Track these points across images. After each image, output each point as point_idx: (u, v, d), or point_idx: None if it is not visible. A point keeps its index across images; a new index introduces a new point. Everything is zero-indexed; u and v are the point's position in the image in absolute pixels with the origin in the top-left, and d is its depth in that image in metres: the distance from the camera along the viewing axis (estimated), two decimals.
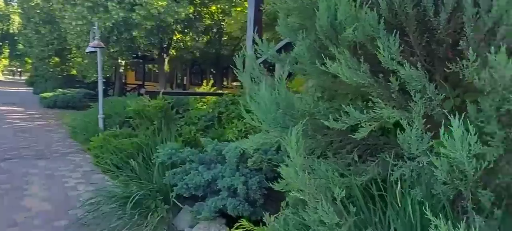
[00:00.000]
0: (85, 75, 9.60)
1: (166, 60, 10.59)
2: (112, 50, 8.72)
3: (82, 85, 15.97)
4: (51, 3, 12.26)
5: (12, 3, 34.11)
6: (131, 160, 3.72)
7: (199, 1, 9.90)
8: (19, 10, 31.27)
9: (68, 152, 5.95)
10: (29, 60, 38.82)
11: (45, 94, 12.69)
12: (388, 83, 1.50)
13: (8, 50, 37.18)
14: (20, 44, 29.29)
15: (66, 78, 14.79)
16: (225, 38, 12.17)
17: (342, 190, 1.48)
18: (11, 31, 33.12)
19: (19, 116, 10.15)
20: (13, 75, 56.75)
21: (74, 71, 14.56)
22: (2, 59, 39.66)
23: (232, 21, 9.86)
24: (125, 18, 8.24)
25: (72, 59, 13.80)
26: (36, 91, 19.58)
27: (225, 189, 2.80)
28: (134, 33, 8.39)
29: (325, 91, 2.15)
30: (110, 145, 4.69)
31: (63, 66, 13.76)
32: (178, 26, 9.45)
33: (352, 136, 1.65)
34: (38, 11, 13.21)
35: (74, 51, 12.76)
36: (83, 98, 12.63)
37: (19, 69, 57.85)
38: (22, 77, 52.35)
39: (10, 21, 32.95)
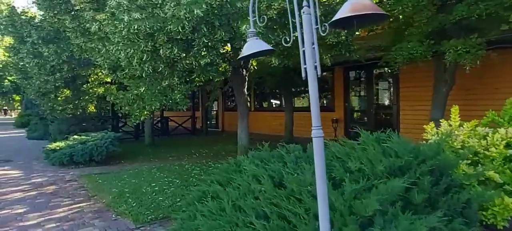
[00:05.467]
0: (132, 113, 5.50)
1: (246, 77, 6.68)
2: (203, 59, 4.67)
3: (97, 126, 11.81)
4: (56, 12, 8.22)
5: None
6: None
7: None
8: (4, 42, 27.17)
9: None
10: (17, 98, 34.34)
11: (53, 146, 8.50)
12: None
13: None
14: (8, 79, 24.94)
15: (78, 118, 10.58)
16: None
17: None
18: None
19: (20, 195, 5.95)
20: (3, 113, 51.51)
21: (91, 108, 10.47)
22: None
23: None
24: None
25: (90, 90, 9.71)
26: (31, 136, 15.26)
27: None
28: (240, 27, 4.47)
29: None
30: None
31: (77, 102, 9.58)
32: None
33: None
34: (36, 26, 9.15)
35: (101, 76, 8.79)
36: (111, 145, 8.48)
37: (4, 108, 52.83)
38: (8, 116, 47.38)
39: None
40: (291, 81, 11.20)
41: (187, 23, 4.33)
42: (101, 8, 5.89)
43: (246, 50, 2.33)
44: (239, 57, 2.35)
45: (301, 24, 2.11)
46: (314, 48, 2.04)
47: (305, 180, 2.83)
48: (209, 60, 4.77)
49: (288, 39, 2.26)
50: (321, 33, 2.03)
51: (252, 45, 2.32)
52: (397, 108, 9.71)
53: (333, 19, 1.89)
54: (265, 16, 2.44)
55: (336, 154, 3.28)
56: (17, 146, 12.58)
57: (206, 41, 4.66)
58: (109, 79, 9.92)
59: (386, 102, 10.45)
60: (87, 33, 7.42)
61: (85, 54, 8.09)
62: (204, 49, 4.78)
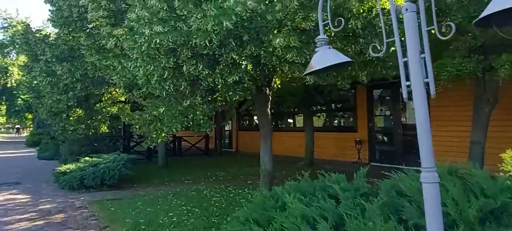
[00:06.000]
0: (148, 135, 5.02)
1: (270, 96, 6.20)
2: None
3: (108, 146, 11.39)
4: (71, 29, 7.95)
5: (11, 55, 30.54)
6: None
7: None
8: (19, 61, 27.52)
9: None
10: (30, 116, 34.58)
11: (64, 168, 8.06)
12: None
13: (5, 107, 33.00)
14: (21, 98, 25.05)
15: (90, 138, 10.17)
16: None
17: None
18: (9, 85, 29.07)
19: (26, 225, 5.44)
20: (16, 131, 51.84)
21: (104, 128, 10.06)
22: None
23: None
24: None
25: (103, 109, 9.32)
26: (42, 155, 14.93)
27: None
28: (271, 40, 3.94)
29: None
30: None
31: (89, 122, 9.18)
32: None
33: None
34: (51, 44, 8.89)
35: (115, 94, 8.43)
36: (124, 168, 7.99)
37: (17, 126, 53.42)
38: (21, 135, 47.77)
39: (8, 74, 28.97)
40: (311, 100, 10.68)
41: (214, 37, 3.87)
42: (118, 23, 5.52)
43: (318, 63, 1.80)
44: (310, 71, 1.82)
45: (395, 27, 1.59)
46: (423, 57, 1.51)
47: (376, 229, 2.25)
48: (237, 78, 4.28)
49: (378, 47, 1.73)
50: (440, 37, 1.50)
51: (326, 56, 1.79)
52: None
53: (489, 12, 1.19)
54: (341, 19, 1.91)
55: (404, 190, 2.69)
56: (27, 166, 12.22)
57: (234, 56, 4.18)
58: (123, 98, 9.55)
59: (415, 123, 9.79)
60: (102, 50, 7.09)
61: (99, 72, 7.74)
62: (232, 65, 4.30)
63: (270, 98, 6.76)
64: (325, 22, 1.89)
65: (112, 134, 13.34)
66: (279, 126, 14.38)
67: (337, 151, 11.24)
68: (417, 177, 2.94)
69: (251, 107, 13.40)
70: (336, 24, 1.91)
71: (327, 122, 12.37)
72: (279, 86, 7.17)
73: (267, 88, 6.55)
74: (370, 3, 4.52)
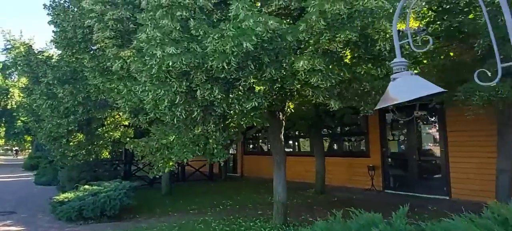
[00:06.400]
0: (155, 163, 4.58)
1: (283, 121, 5.83)
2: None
3: (109, 171, 10.91)
4: (74, 50, 7.67)
5: (12, 77, 30.42)
6: None
7: None
8: (20, 83, 27.33)
9: None
10: (29, 138, 34.07)
11: (61, 197, 7.56)
12: None
13: (4, 129, 32.55)
14: (21, 120, 24.65)
15: (90, 163, 9.70)
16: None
17: None
18: (9, 107, 28.75)
19: None
20: (15, 153, 50.99)
21: (105, 154, 9.60)
22: None
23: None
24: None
25: (105, 134, 8.89)
26: (39, 181, 14.38)
27: None
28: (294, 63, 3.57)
29: None
30: None
31: (90, 147, 8.73)
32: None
33: None
34: (53, 65, 8.59)
35: (118, 118, 8.03)
36: (126, 197, 7.50)
37: (16, 148, 52.71)
38: (19, 157, 47.04)
39: (8, 96, 28.71)
40: (322, 124, 10.28)
41: (233, 59, 3.52)
42: (125, 44, 5.20)
43: (402, 93, 1.40)
44: (391, 103, 1.42)
45: None
46: None
47: None
48: (256, 104, 3.89)
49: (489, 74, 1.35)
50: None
51: (412, 85, 1.39)
52: (445, 155, 8.60)
53: None
54: (430, 38, 1.51)
55: None
56: (23, 193, 11.66)
57: (253, 80, 3.82)
58: (126, 122, 9.15)
59: (432, 148, 9.36)
60: (106, 72, 6.76)
61: (103, 95, 7.39)
62: (250, 90, 3.93)
63: (284, 124, 6.38)
64: (402, 42, 1.51)
65: (113, 158, 12.85)
66: (286, 150, 13.91)
67: (349, 177, 10.74)
68: (473, 221, 2.51)
69: (259, 133, 13.01)
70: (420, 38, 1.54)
71: (337, 146, 11.93)
72: (293, 110, 6.78)
73: (280, 113, 6.17)
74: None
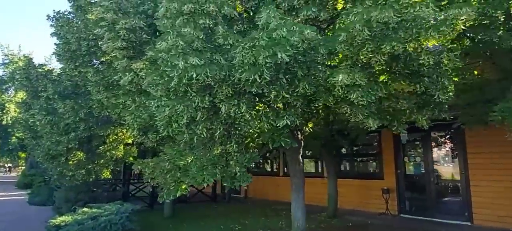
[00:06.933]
0: (166, 187, 4.08)
1: (302, 141, 5.39)
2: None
3: (108, 192, 10.31)
4: (77, 64, 7.28)
5: (9, 92, 29.89)
6: None
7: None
8: (16, 98, 26.77)
9: None
10: (22, 155, 33.17)
11: (58, 220, 6.97)
12: None
13: None
14: (16, 136, 23.95)
15: (88, 183, 9.11)
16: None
17: None
18: (4, 122, 28.07)
19: None
20: (8, 170, 49.72)
21: (106, 173, 9.03)
22: None
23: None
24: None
25: (106, 152, 8.36)
26: (33, 201, 13.66)
27: None
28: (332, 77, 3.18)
29: None
30: None
31: (90, 166, 8.18)
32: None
33: None
34: (53, 79, 8.16)
35: (121, 136, 7.52)
36: (128, 221, 6.93)
37: (9, 165, 51.47)
38: (13, 174, 45.88)
39: (4, 111, 28.10)
40: (335, 145, 9.84)
41: (266, 71, 3.11)
42: (137, 56, 4.80)
43: None
44: None
45: None
46: None
47: None
48: (288, 122, 3.46)
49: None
50: None
51: None
52: (466, 177, 8.16)
53: None
54: None
55: None
56: (15, 214, 10.96)
57: (286, 95, 3.40)
58: (130, 141, 8.64)
59: (451, 171, 8.92)
60: (111, 87, 6.34)
61: (106, 111, 6.94)
62: (282, 106, 3.51)
63: (303, 144, 5.93)
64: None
65: (111, 178, 12.22)
66: None
67: (361, 199, 10.22)
68: None
69: (271, 153, 12.51)
70: None
71: (349, 168, 11.44)
72: (311, 130, 6.35)
73: (299, 133, 5.74)
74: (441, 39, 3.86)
